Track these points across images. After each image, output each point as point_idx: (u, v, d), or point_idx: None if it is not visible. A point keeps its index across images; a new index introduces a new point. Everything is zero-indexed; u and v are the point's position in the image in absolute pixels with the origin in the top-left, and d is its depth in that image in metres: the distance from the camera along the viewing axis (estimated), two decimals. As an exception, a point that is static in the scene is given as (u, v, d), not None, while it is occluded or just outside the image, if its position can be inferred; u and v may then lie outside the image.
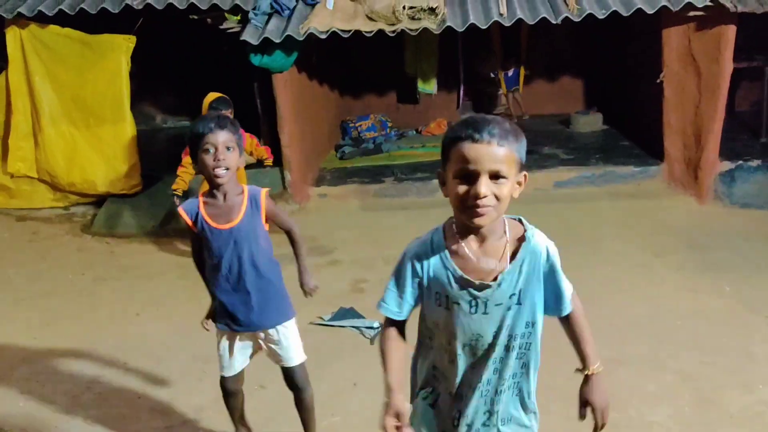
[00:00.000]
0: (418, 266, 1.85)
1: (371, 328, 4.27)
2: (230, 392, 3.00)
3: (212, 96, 5.11)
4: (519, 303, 1.84)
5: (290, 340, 2.87)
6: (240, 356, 2.92)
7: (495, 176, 1.66)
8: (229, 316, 2.79)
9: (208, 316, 2.90)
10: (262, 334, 2.85)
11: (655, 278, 4.79)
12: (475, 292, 1.81)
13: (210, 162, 2.58)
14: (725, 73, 6.20)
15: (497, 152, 1.64)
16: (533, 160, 7.40)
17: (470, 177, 1.66)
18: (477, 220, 1.70)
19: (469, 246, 1.80)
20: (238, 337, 2.86)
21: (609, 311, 4.32)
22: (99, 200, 6.81)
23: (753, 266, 4.94)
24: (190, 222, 2.72)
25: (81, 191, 6.81)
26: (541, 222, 6.63)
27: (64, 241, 6.23)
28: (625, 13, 6.00)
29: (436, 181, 7.69)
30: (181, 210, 2.74)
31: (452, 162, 1.69)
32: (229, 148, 2.59)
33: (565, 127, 8.66)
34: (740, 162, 6.50)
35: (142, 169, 6.81)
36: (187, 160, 5.15)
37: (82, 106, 6.68)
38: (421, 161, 7.70)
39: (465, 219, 1.73)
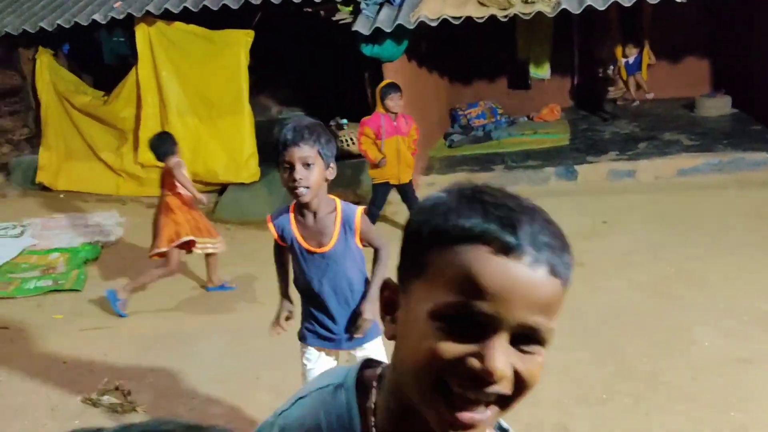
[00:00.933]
0: None
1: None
2: None
3: (384, 83, 5.47)
4: None
5: (375, 356, 2.76)
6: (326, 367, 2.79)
7: (526, 337, 0.77)
8: (317, 333, 2.64)
9: (279, 319, 2.77)
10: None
11: (790, 273, 4.44)
12: None
13: (286, 181, 2.34)
14: None
15: (545, 288, 0.77)
16: (654, 147, 7.08)
17: (477, 329, 0.76)
18: None
19: None
20: (324, 351, 2.72)
21: (736, 306, 4.07)
22: (221, 188, 7.14)
23: None
24: (277, 236, 2.54)
25: (204, 180, 7.15)
26: (663, 211, 6.35)
27: (188, 227, 6.58)
28: (758, -12, 5.58)
29: (549, 169, 7.47)
30: (270, 223, 2.54)
31: (435, 281, 0.78)
32: (309, 165, 2.31)
33: (689, 111, 8.19)
34: None
35: (260, 159, 7.07)
36: (364, 129, 5.42)
37: (205, 99, 7.02)
38: (532, 148, 7.54)
39: (439, 425, 0.79)
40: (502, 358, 0.75)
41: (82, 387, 3.76)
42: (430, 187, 7.02)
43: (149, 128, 7.19)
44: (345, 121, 7.80)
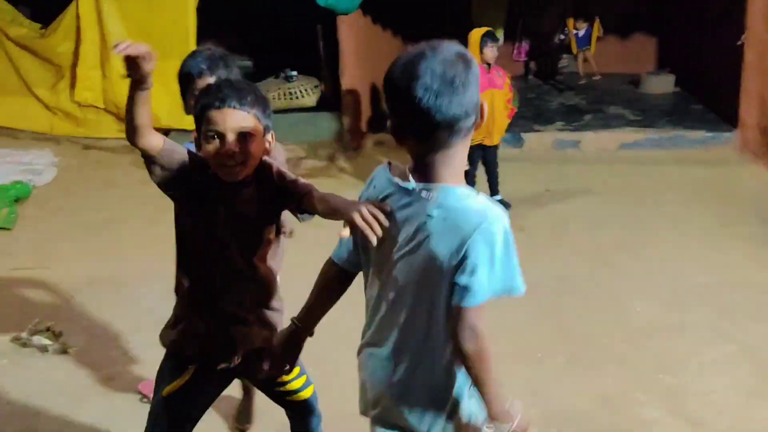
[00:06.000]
0: None
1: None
2: None
3: (480, 31, 5.04)
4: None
5: None
6: None
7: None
8: None
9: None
10: None
11: (721, 248, 4.62)
12: None
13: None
14: (815, 37, 5.86)
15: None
16: (598, 120, 7.22)
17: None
18: None
19: None
20: None
21: (670, 278, 4.22)
22: (163, 134, 6.91)
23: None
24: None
25: (145, 124, 6.92)
26: (604, 183, 6.48)
27: (128, 171, 6.35)
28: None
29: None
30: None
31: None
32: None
33: (634, 88, 8.38)
34: (820, 133, 6.19)
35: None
36: None
37: (149, 39, 6.61)
38: (481, 114, 7.58)
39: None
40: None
41: (12, 326, 3.62)
42: (378, 146, 6.99)
43: (88, 65, 6.87)
44: (294, 73, 7.64)
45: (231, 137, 1.90)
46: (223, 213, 2.01)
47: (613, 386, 3.17)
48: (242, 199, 1.99)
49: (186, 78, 2.40)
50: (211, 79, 2.34)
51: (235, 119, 1.91)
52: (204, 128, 1.95)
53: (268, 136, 2.01)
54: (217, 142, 1.92)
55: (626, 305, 3.89)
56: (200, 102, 2.00)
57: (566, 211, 5.35)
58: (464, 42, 5.04)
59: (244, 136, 1.92)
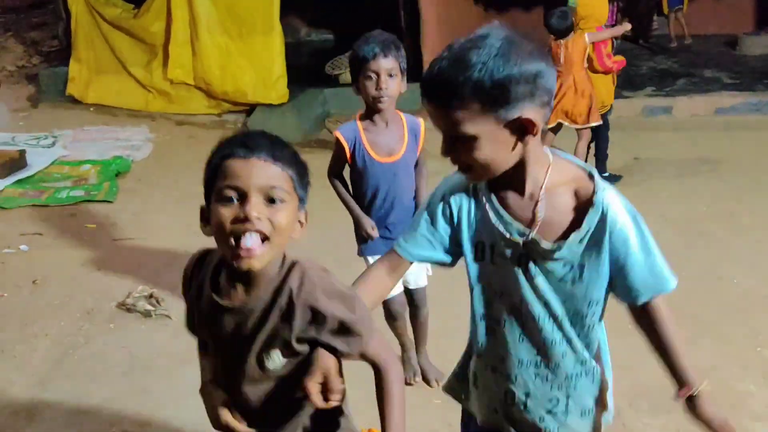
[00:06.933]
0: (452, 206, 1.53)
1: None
2: (393, 315, 2.88)
3: None
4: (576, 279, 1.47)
5: (420, 266, 2.76)
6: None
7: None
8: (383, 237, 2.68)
9: (368, 228, 2.68)
10: None
11: (825, 217, 4.39)
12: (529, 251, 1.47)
13: (370, 90, 2.51)
14: None
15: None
16: (692, 84, 6.92)
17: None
18: None
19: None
20: None
21: (768, 247, 4.05)
22: (249, 109, 7.11)
23: None
24: (348, 151, 2.61)
25: (233, 99, 7.12)
26: (698, 150, 6.26)
27: (217, 146, 6.60)
28: None
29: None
30: (339, 135, 2.62)
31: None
32: (392, 76, 2.50)
33: (731, 49, 7.97)
34: None
35: (288, 81, 6.99)
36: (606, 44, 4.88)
37: (236, 16, 6.91)
38: (567, 81, 7.39)
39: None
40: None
41: (117, 293, 3.85)
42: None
43: (178, 43, 7.12)
44: (375, 45, 7.66)
45: (256, 199, 1.30)
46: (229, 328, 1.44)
47: (707, 359, 3.08)
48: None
49: (360, 61, 2.50)
50: (384, 61, 2.47)
51: (264, 175, 1.31)
52: (219, 184, 1.32)
53: (301, 215, 1.41)
54: (235, 204, 1.31)
55: (722, 276, 3.76)
56: (217, 153, 1.36)
57: (657, 180, 5.19)
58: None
59: (273, 202, 1.32)
